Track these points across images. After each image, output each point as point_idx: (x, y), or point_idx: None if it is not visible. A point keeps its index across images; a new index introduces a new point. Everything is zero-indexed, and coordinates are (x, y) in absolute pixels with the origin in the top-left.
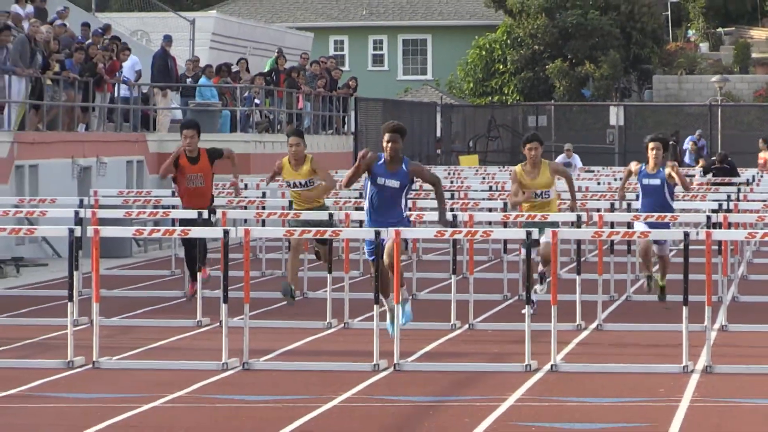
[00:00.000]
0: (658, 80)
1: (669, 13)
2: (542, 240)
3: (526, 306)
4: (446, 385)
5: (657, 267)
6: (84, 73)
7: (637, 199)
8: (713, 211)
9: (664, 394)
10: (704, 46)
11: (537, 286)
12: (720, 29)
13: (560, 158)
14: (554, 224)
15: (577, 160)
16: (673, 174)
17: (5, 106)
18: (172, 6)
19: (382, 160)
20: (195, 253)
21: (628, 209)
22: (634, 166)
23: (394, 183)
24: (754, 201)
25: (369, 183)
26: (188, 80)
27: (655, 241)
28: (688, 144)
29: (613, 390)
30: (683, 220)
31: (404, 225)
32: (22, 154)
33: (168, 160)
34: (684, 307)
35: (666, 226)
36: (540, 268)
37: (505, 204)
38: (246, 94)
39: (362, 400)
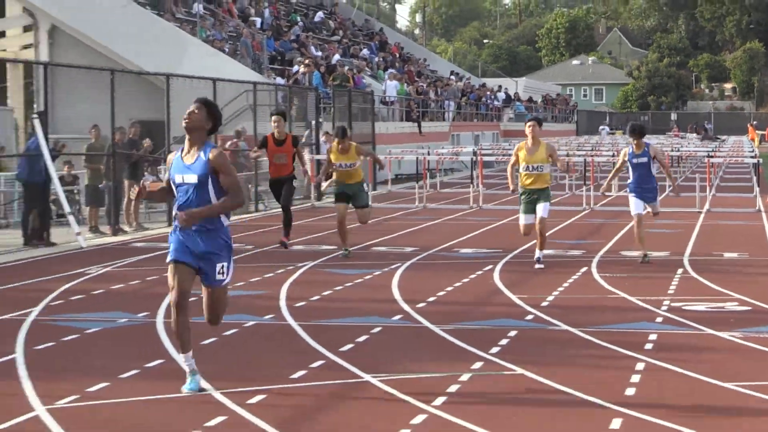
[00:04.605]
0: (690, 103)
1: (693, 78)
2: (539, 213)
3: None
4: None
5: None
6: (476, 102)
7: (627, 171)
8: (709, 151)
9: (688, 218)
10: (707, 90)
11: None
12: (713, 84)
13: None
14: (547, 192)
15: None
16: (660, 159)
17: (444, 114)
18: (509, 75)
19: (180, 151)
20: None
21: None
22: (623, 153)
23: (191, 177)
24: (724, 148)
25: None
26: (518, 104)
27: (649, 204)
28: (708, 126)
29: (665, 218)
30: (699, 155)
31: (220, 246)
32: (453, 130)
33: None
34: (697, 186)
35: (652, 192)
36: (538, 239)
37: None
38: (536, 107)
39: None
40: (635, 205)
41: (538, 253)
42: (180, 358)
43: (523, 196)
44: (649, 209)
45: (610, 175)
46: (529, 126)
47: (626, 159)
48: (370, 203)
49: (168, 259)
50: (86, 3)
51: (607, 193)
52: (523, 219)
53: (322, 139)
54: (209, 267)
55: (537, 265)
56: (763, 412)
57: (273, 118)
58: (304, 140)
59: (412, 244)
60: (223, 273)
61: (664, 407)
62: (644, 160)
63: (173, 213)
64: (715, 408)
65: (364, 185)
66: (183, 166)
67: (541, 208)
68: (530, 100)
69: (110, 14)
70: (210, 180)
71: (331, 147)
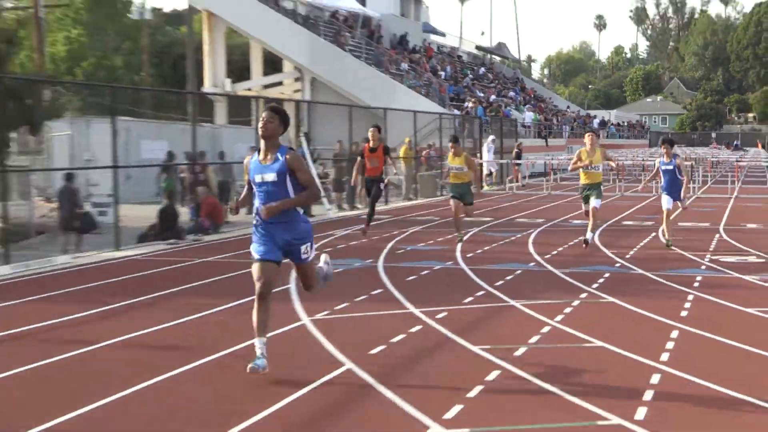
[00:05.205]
0: (725, 126)
1: (727, 110)
2: (592, 204)
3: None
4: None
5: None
6: (583, 125)
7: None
8: (737, 158)
9: (723, 201)
10: (736, 118)
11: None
12: (740, 114)
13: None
14: (599, 186)
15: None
16: (682, 164)
17: (563, 133)
18: (605, 108)
19: (256, 155)
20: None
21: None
22: (656, 161)
23: (270, 175)
24: (748, 156)
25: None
26: (611, 126)
27: (674, 200)
28: (736, 142)
29: (707, 201)
30: (730, 161)
31: (300, 232)
32: (568, 144)
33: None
34: (729, 180)
35: (677, 191)
36: (590, 222)
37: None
38: (622, 129)
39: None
40: (665, 202)
41: (588, 234)
42: (255, 341)
43: (581, 190)
44: (678, 203)
45: (648, 177)
46: (588, 136)
47: (659, 166)
48: (473, 202)
49: (254, 257)
50: (335, 64)
51: (645, 193)
52: (584, 207)
53: (488, 146)
54: (295, 251)
55: (585, 246)
56: None
57: (370, 130)
58: (490, 143)
59: (542, 216)
60: (307, 252)
61: (707, 323)
62: (671, 167)
63: (254, 209)
64: (742, 325)
65: (471, 187)
66: (261, 167)
67: (593, 201)
68: (618, 124)
69: (350, 71)
70: (288, 177)
71: (449, 153)
